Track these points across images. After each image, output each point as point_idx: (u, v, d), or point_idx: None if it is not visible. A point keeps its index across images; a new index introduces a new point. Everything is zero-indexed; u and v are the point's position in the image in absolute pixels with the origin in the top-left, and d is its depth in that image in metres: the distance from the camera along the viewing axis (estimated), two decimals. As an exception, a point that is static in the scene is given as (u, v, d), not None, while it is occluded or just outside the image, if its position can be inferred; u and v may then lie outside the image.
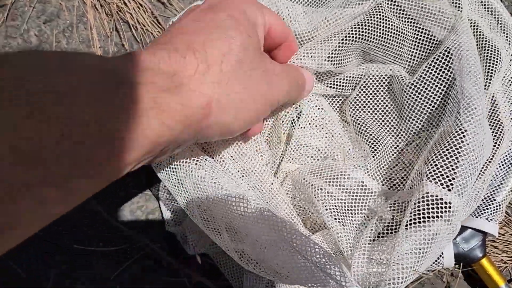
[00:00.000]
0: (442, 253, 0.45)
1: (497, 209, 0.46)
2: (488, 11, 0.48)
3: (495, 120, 0.45)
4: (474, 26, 0.46)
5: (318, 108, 0.45)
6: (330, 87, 0.45)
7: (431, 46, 0.41)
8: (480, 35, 0.45)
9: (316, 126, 0.45)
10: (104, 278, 0.53)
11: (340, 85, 0.44)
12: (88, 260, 0.53)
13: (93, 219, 0.53)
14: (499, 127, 0.45)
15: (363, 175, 0.41)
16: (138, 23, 0.54)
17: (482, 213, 0.46)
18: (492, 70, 0.44)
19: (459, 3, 0.43)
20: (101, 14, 0.55)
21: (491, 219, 0.46)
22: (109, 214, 0.53)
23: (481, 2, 0.48)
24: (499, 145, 0.45)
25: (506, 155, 0.47)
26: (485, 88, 0.45)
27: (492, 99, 0.46)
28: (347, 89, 0.45)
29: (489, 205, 0.46)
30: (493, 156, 0.45)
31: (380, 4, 0.39)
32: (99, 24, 0.55)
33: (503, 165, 0.47)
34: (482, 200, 0.47)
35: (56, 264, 0.53)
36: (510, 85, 0.46)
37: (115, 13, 0.54)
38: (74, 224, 0.53)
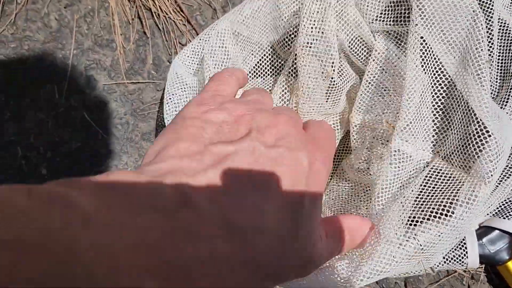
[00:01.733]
0: (467, 253, 0.44)
1: (525, 211, 0.45)
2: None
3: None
4: (503, 25, 0.45)
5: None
6: None
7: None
8: (508, 35, 0.44)
9: None
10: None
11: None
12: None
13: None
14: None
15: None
16: (160, 10, 0.53)
17: (511, 215, 0.45)
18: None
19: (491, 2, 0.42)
20: (123, 0, 0.54)
21: (519, 221, 0.45)
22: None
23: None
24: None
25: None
26: (510, 92, 0.44)
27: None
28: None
29: (518, 206, 0.45)
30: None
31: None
32: (121, 10, 0.54)
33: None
34: (509, 201, 0.46)
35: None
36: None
37: (137, 0, 0.53)
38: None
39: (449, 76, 0.37)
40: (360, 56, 0.43)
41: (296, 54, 0.39)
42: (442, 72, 0.37)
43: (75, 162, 0.53)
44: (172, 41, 0.53)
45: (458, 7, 0.34)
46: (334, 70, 0.39)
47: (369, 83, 0.42)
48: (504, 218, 0.45)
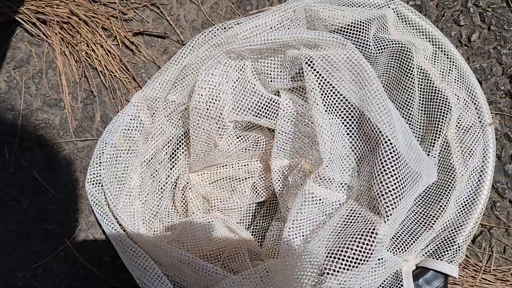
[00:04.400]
0: (404, 296, 0.46)
1: (457, 250, 0.48)
2: (445, 54, 0.50)
3: (448, 164, 0.47)
4: (425, 75, 0.48)
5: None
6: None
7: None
8: (430, 85, 0.47)
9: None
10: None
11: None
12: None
13: (61, 266, 0.53)
14: (451, 171, 0.47)
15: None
16: (106, 69, 0.55)
17: (443, 255, 0.47)
18: (443, 118, 0.46)
19: (410, 53, 0.46)
20: (70, 60, 0.55)
21: (451, 261, 0.47)
22: (78, 260, 0.53)
23: (439, 48, 0.50)
24: (452, 186, 0.47)
25: (465, 199, 0.49)
26: (436, 136, 0.47)
27: (446, 145, 0.48)
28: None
29: (450, 247, 0.48)
30: (447, 197, 0.46)
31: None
32: (68, 70, 0.56)
33: (462, 208, 0.49)
34: (443, 241, 0.48)
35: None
36: (465, 134, 0.48)
37: (83, 60, 0.55)
38: (42, 271, 0.53)
39: (354, 107, 0.40)
40: (268, 115, 0.45)
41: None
42: (348, 107, 0.40)
43: (26, 220, 0.54)
44: (118, 99, 0.55)
45: (345, 62, 0.37)
46: (220, 139, 0.43)
47: (284, 132, 0.45)
48: (437, 258, 0.47)
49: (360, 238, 0.36)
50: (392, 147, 0.36)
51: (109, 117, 0.56)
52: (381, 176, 0.37)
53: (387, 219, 0.36)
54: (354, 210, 0.40)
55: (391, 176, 0.36)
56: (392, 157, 0.36)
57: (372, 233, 0.36)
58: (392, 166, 0.36)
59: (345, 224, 0.39)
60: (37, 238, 0.53)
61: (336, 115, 0.40)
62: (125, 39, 0.55)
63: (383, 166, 0.36)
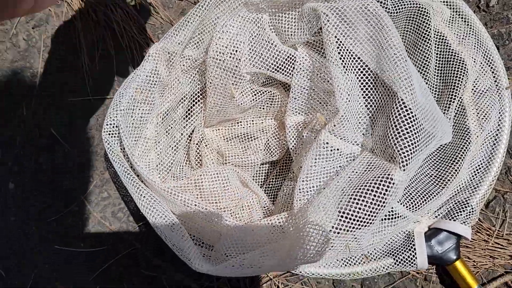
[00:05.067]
0: (415, 254, 0.46)
1: (471, 212, 0.48)
2: (462, 19, 0.50)
3: (463, 127, 0.47)
4: (441, 39, 0.48)
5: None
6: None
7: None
8: (447, 48, 0.47)
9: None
10: (85, 279, 0.53)
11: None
12: (69, 261, 0.53)
13: (75, 220, 0.54)
14: (466, 134, 0.47)
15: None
16: (124, 30, 0.55)
17: (457, 217, 0.47)
18: (459, 81, 0.46)
19: (427, 15, 0.46)
20: (88, 21, 0.56)
21: (465, 222, 0.47)
22: (91, 215, 0.54)
23: (457, 12, 0.50)
24: (467, 148, 0.46)
25: (480, 162, 0.49)
26: (452, 98, 0.47)
27: (461, 108, 0.48)
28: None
29: (464, 208, 0.47)
30: (462, 158, 0.46)
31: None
32: (86, 30, 0.56)
33: (477, 171, 0.48)
34: (457, 204, 0.48)
35: (37, 264, 0.53)
36: (481, 97, 0.48)
37: (102, 20, 0.56)
38: (57, 225, 0.54)
39: (371, 70, 0.40)
40: (284, 70, 0.45)
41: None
42: (364, 69, 0.40)
43: (42, 176, 0.54)
44: (135, 59, 0.56)
45: (361, 12, 0.37)
46: (236, 90, 0.43)
47: (300, 86, 0.45)
48: (450, 219, 0.47)
49: (375, 185, 0.36)
50: (410, 91, 0.36)
51: (126, 76, 0.56)
52: (398, 124, 0.37)
53: (403, 166, 0.36)
54: (369, 160, 0.40)
55: (408, 124, 0.36)
56: (410, 102, 0.36)
57: (387, 179, 0.36)
58: (408, 114, 0.36)
59: (359, 173, 0.39)
60: (52, 193, 0.54)
61: (352, 72, 0.40)
62: (143, 0, 0.56)
63: (399, 115, 0.36)
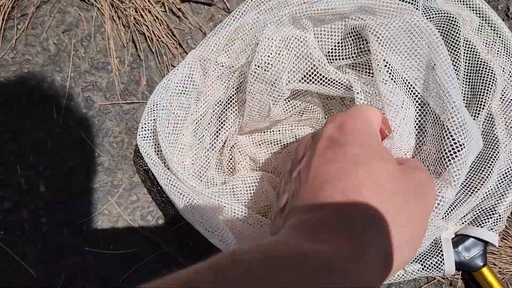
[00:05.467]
0: (443, 260, 0.47)
1: (498, 220, 0.48)
2: (490, 26, 0.51)
3: (492, 136, 0.48)
4: (470, 47, 0.48)
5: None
6: None
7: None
8: (476, 57, 0.48)
9: None
10: (114, 280, 0.54)
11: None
12: (99, 262, 0.54)
13: (105, 223, 0.55)
14: (495, 143, 0.47)
15: None
16: (153, 34, 0.56)
17: (484, 223, 0.48)
18: (488, 90, 0.47)
19: (457, 24, 0.46)
20: (118, 25, 0.57)
21: (492, 229, 0.48)
22: (120, 217, 0.55)
23: (486, 20, 0.51)
24: (496, 158, 0.47)
25: (507, 169, 0.49)
26: (480, 107, 0.47)
27: (490, 117, 0.48)
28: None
29: (491, 215, 0.48)
30: (490, 167, 0.47)
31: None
32: (116, 34, 0.57)
33: (504, 178, 0.49)
34: (484, 210, 0.49)
35: (68, 265, 0.54)
36: (509, 105, 0.49)
37: (132, 25, 0.56)
38: (86, 227, 0.55)
39: (419, 93, 0.40)
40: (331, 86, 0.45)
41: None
42: (412, 91, 0.40)
43: (72, 179, 0.55)
44: (164, 63, 0.57)
45: (413, 31, 0.37)
46: (275, 104, 0.43)
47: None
48: (477, 226, 0.48)
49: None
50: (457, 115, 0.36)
51: (155, 81, 0.57)
52: (447, 148, 0.36)
53: (454, 183, 0.35)
54: None
55: (457, 147, 0.36)
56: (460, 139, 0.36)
57: (437, 196, 0.36)
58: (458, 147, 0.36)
59: None
60: (82, 196, 0.55)
61: (405, 93, 0.40)
62: (172, 6, 0.56)
63: (450, 143, 0.36)
